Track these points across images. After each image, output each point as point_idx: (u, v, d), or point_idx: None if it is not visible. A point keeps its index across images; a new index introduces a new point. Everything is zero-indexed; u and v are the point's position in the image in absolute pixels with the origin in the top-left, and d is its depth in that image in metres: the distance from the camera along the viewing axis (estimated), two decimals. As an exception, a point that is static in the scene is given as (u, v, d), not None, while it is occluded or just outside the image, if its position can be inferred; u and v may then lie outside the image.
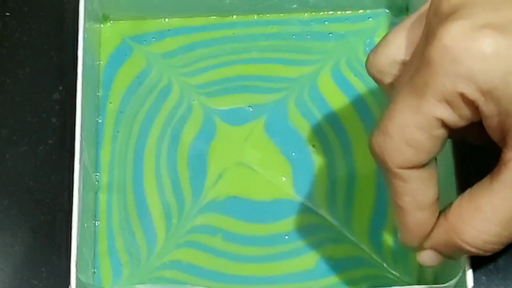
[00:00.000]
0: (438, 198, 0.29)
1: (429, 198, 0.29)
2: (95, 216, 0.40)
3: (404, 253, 0.38)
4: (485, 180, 0.28)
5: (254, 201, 0.40)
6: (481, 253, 0.28)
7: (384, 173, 0.29)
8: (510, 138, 0.27)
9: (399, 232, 0.30)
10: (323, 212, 0.39)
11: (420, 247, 0.30)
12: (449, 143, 0.36)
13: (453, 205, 0.29)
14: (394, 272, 0.38)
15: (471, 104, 0.27)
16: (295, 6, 0.43)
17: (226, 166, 0.40)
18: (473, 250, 0.28)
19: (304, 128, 0.41)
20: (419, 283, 0.38)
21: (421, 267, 0.38)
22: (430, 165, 0.29)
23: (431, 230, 0.29)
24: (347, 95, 0.42)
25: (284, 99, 0.42)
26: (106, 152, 0.41)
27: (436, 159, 0.29)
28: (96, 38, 0.42)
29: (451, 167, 0.36)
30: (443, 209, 0.30)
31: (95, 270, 0.39)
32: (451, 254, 0.30)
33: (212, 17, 0.43)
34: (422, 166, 0.28)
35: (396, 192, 0.29)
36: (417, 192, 0.29)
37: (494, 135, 0.28)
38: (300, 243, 0.39)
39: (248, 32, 0.43)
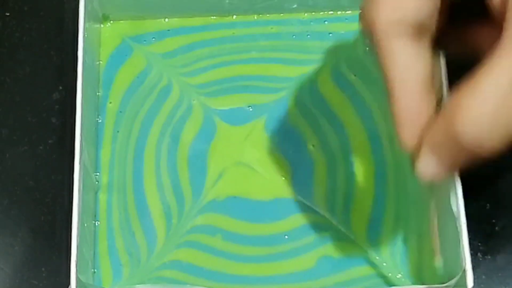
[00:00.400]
0: (432, 84, 0.28)
1: (420, 76, 0.27)
2: (95, 216, 0.40)
3: (404, 252, 0.39)
4: (484, 60, 0.25)
5: (254, 201, 0.40)
6: (478, 150, 0.25)
7: (372, 44, 0.27)
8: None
9: (395, 127, 0.28)
10: (322, 211, 0.39)
11: (418, 152, 0.28)
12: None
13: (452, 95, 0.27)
14: (393, 271, 0.38)
15: None
16: (295, 6, 0.43)
17: (226, 166, 0.40)
18: (472, 141, 0.25)
19: (303, 127, 0.41)
20: (419, 283, 0.38)
21: (420, 266, 0.38)
22: (421, 42, 0.27)
23: (430, 129, 0.27)
24: (347, 95, 0.42)
25: (284, 99, 0.42)
26: (106, 152, 0.41)
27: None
28: (96, 38, 0.42)
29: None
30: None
31: (95, 270, 0.39)
32: (454, 158, 0.26)
33: (211, 17, 0.43)
34: (412, 36, 0.27)
35: (385, 66, 0.27)
36: (407, 66, 0.27)
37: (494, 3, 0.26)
38: (299, 243, 0.39)
39: (247, 32, 0.43)
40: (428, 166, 0.27)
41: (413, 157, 0.28)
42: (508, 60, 0.24)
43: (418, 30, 0.27)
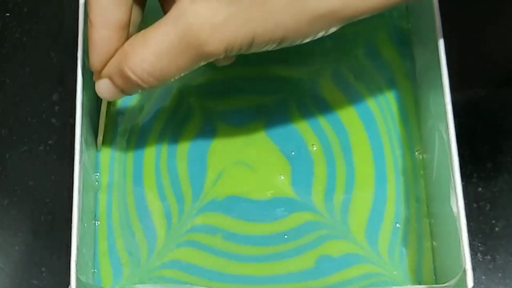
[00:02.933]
0: (128, 27, 0.34)
1: (116, 19, 0.34)
2: (95, 216, 0.40)
3: (403, 252, 0.39)
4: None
5: (253, 200, 0.40)
6: (143, 85, 0.33)
7: None
8: None
9: (89, 52, 0.34)
10: (322, 211, 0.39)
11: (100, 76, 0.35)
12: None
13: (131, 36, 0.34)
14: (393, 271, 0.38)
15: None
16: (295, 6, 0.43)
17: (225, 166, 0.40)
18: (135, 79, 0.33)
19: (304, 128, 0.41)
20: (417, 282, 0.38)
21: (419, 265, 0.38)
22: None
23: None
24: (347, 96, 0.42)
25: (284, 100, 0.42)
26: (106, 152, 0.41)
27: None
28: (96, 39, 0.42)
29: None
30: None
31: (95, 270, 0.39)
32: (123, 86, 0.34)
33: (212, 17, 0.43)
34: None
35: (90, 7, 0.34)
36: (106, 10, 0.33)
37: None
38: (299, 242, 0.39)
39: (248, 32, 0.43)
40: (103, 87, 0.35)
41: (96, 78, 0.35)
42: (172, 24, 0.31)
43: None
